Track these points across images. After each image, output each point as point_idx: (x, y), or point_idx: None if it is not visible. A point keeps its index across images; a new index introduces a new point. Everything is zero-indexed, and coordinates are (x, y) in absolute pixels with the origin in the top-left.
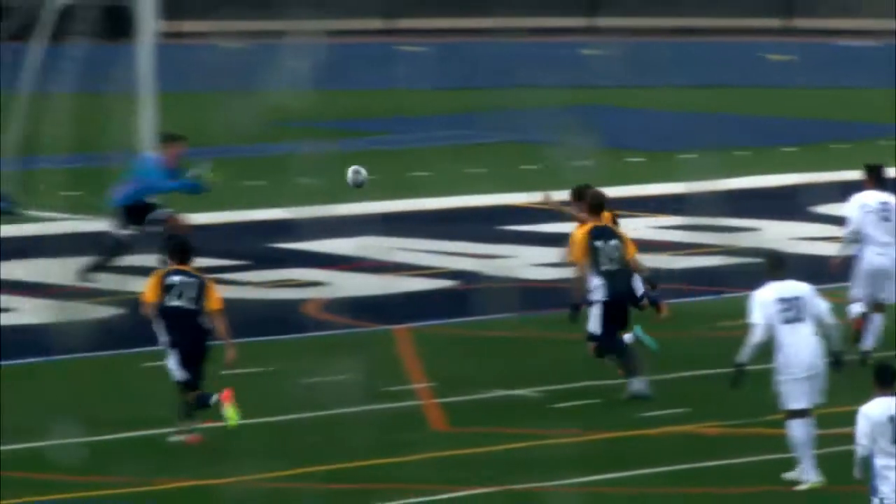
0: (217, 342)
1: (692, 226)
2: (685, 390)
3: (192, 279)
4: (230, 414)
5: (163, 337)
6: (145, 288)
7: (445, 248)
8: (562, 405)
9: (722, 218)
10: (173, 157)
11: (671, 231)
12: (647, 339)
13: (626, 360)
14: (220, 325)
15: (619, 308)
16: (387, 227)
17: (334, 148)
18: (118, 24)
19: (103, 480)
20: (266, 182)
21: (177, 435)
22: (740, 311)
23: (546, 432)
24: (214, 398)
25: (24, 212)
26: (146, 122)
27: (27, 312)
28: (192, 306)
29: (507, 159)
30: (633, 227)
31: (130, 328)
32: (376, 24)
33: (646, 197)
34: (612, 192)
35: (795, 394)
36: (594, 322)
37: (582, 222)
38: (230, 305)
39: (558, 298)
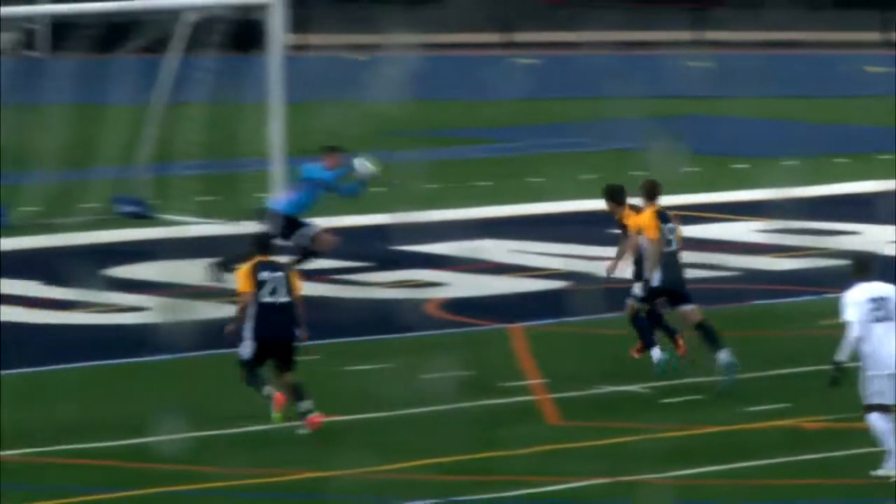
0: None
1: (792, 230)
2: (787, 386)
3: (279, 272)
4: (275, 416)
5: (248, 328)
6: (238, 281)
7: (558, 251)
8: (668, 400)
9: (822, 222)
10: (333, 166)
11: (773, 234)
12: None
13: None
14: (300, 311)
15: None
16: (503, 231)
17: (454, 155)
18: (249, 37)
19: (222, 472)
20: (386, 189)
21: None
22: (838, 311)
23: (653, 426)
24: (269, 391)
25: (159, 216)
26: (275, 130)
27: (158, 312)
28: (285, 299)
29: (616, 166)
30: (737, 230)
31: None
32: (493, 37)
33: (749, 201)
34: (717, 196)
35: (881, 390)
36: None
37: (622, 219)
38: (355, 305)
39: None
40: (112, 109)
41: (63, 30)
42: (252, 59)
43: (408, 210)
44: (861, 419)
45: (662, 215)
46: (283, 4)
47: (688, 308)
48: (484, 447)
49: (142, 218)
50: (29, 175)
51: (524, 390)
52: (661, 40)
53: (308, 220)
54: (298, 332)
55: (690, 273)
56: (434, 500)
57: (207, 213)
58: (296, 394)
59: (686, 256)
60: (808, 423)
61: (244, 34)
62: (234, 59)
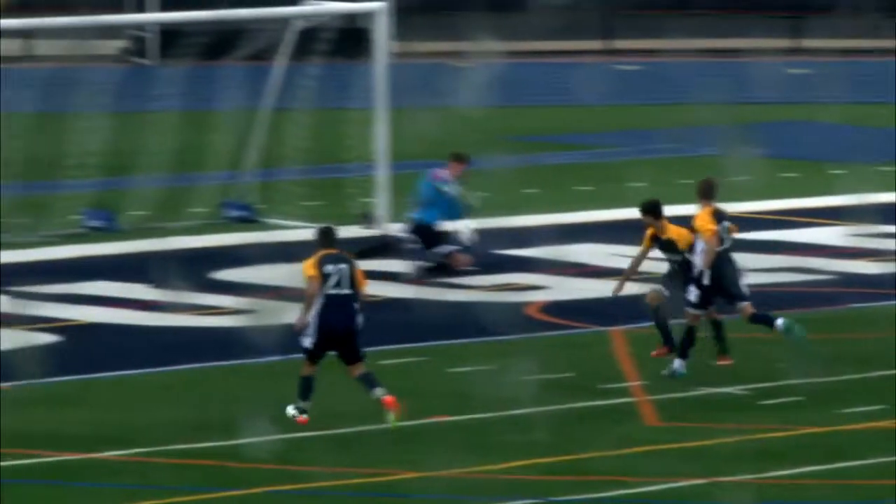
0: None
1: (889, 234)
2: (883, 388)
3: (343, 265)
4: (392, 417)
5: (312, 319)
6: (305, 269)
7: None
8: (765, 402)
9: None
10: (458, 175)
11: (867, 238)
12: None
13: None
14: (362, 304)
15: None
16: (603, 235)
17: (555, 161)
18: (355, 45)
19: (326, 471)
20: (491, 193)
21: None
22: None
23: (750, 427)
24: (381, 392)
25: (264, 220)
26: (379, 135)
27: (263, 315)
28: (349, 291)
29: (716, 171)
30: (831, 234)
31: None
32: (596, 44)
33: (844, 206)
34: (812, 201)
35: None
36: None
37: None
38: (457, 308)
39: (763, 301)
40: (220, 115)
41: (172, 37)
42: (356, 66)
43: (508, 215)
44: None
45: (719, 214)
46: (389, 12)
47: (743, 304)
48: (582, 448)
49: (248, 222)
50: (137, 180)
51: (623, 392)
52: (757, 48)
53: (453, 234)
54: (359, 323)
55: (787, 277)
56: (533, 500)
57: (312, 217)
58: (368, 383)
59: (781, 261)
60: None
61: (351, 42)
62: (340, 66)
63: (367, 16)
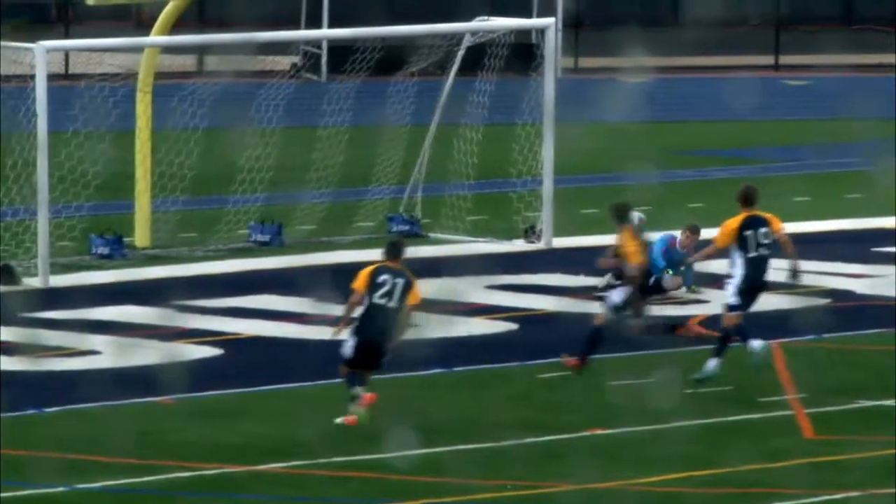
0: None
1: None
2: None
3: (400, 278)
4: (361, 414)
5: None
6: (357, 279)
7: (821, 268)
8: None
9: None
10: (689, 246)
11: None
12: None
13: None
14: (407, 317)
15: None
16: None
17: (725, 175)
18: (525, 61)
19: (487, 484)
20: (654, 207)
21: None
22: None
23: (877, 440)
24: (359, 391)
25: (431, 234)
26: (547, 151)
27: (428, 327)
28: (396, 304)
29: (882, 185)
30: None
31: (522, 342)
32: (766, 59)
33: None
34: None
35: None
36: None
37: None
38: (619, 322)
39: None
40: (388, 130)
41: (342, 53)
42: (525, 81)
43: (672, 228)
44: None
45: (755, 220)
46: (560, 29)
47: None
48: (739, 461)
49: (414, 237)
50: (305, 195)
51: (781, 405)
52: None
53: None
54: (394, 338)
55: None
56: None
57: (478, 231)
58: (355, 382)
59: None
60: None
61: (521, 57)
62: (508, 82)
63: (538, 31)
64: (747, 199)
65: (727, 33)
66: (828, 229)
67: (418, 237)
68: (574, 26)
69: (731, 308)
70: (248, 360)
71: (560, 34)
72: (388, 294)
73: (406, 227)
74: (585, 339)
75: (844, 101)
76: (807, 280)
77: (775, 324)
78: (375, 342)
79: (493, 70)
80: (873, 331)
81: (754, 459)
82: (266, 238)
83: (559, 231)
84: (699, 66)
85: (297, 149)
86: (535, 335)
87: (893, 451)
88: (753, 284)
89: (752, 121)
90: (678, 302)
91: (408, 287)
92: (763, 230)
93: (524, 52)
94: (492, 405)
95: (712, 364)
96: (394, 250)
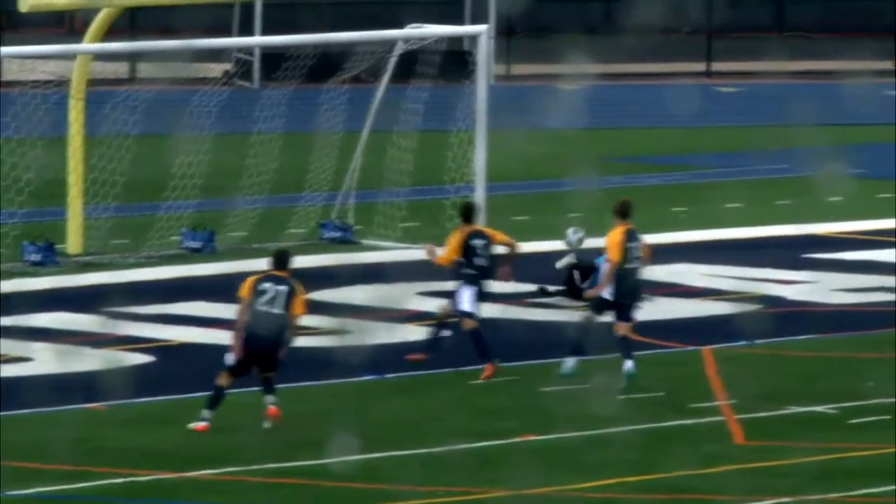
0: None
1: None
2: None
3: (283, 286)
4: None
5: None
6: (242, 287)
7: (752, 275)
8: (855, 420)
9: None
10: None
11: None
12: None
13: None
14: (293, 328)
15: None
16: (698, 255)
17: (654, 182)
18: (458, 68)
19: (420, 490)
20: (586, 214)
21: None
22: None
23: (841, 445)
24: (272, 399)
25: (362, 241)
26: (479, 158)
27: (360, 334)
28: (280, 311)
29: (812, 191)
30: None
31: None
32: (697, 66)
33: None
34: None
35: None
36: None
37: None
38: (551, 327)
39: (854, 321)
40: (321, 137)
41: (275, 60)
42: (458, 88)
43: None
44: None
45: (631, 234)
46: (493, 36)
47: (623, 323)
48: (671, 466)
49: (346, 243)
50: (237, 202)
51: (713, 410)
52: (860, 69)
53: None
54: (285, 343)
55: (880, 297)
56: None
57: (410, 238)
58: (267, 387)
59: (874, 281)
60: None
61: (453, 65)
62: (441, 89)
63: (470, 38)
64: (625, 213)
65: (659, 40)
66: (759, 235)
67: (351, 244)
68: (506, 33)
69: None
70: (180, 367)
71: (493, 41)
72: (271, 301)
73: (338, 234)
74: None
75: (776, 108)
76: (739, 286)
77: (707, 330)
78: (259, 348)
79: (426, 77)
80: (804, 337)
81: (686, 465)
82: (198, 245)
83: None
84: (632, 73)
85: (230, 155)
86: (469, 341)
87: (823, 456)
88: (627, 294)
89: (685, 127)
90: None
91: (291, 295)
92: (636, 244)
93: (457, 59)
94: (425, 412)
95: (628, 365)
96: (279, 260)
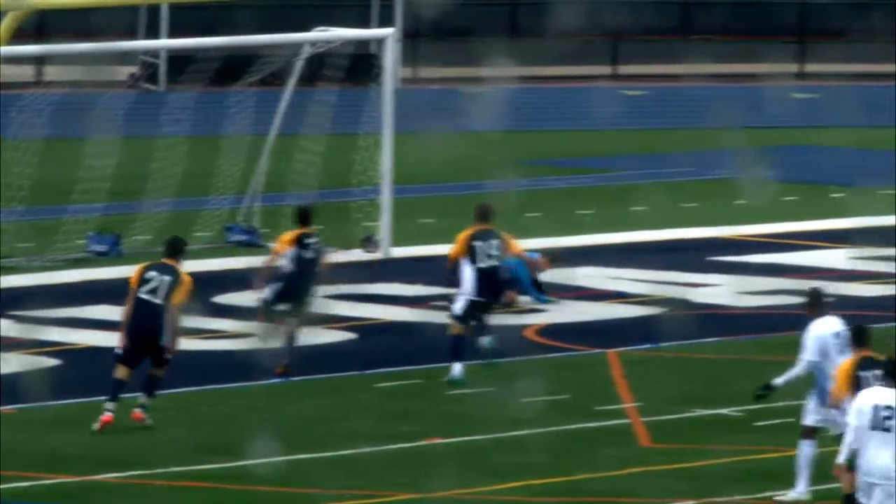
0: None
1: (888, 257)
2: None
3: (168, 276)
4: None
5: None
6: (132, 276)
7: (657, 278)
8: (760, 423)
9: None
10: (544, 267)
11: (869, 261)
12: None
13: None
14: (174, 319)
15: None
16: (604, 258)
17: (557, 185)
18: (364, 71)
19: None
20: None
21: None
22: None
23: (745, 448)
24: (142, 400)
25: (269, 244)
26: (386, 160)
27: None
28: (161, 301)
29: (718, 194)
30: (832, 258)
31: (361, 352)
32: (602, 69)
33: (845, 229)
34: (814, 224)
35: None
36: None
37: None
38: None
39: (760, 324)
40: (227, 140)
41: (181, 63)
42: (365, 91)
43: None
44: None
45: (484, 234)
46: (399, 39)
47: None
48: (578, 469)
49: (252, 246)
50: (143, 205)
51: (618, 413)
52: (763, 72)
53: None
54: (166, 337)
55: (788, 299)
56: None
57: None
58: (147, 385)
59: (783, 283)
60: None
61: (359, 67)
62: (349, 92)
63: (377, 42)
64: (482, 216)
65: (566, 44)
66: (666, 238)
67: (257, 247)
68: (413, 36)
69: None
70: (85, 371)
71: (399, 44)
72: (154, 290)
73: (244, 237)
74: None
75: (682, 111)
76: (645, 289)
77: (613, 333)
78: (139, 337)
79: (333, 80)
80: (710, 339)
81: (592, 468)
82: (103, 248)
83: (398, 241)
84: (538, 76)
85: (136, 158)
86: (374, 345)
87: (730, 459)
88: (483, 296)
89: (591, 130)
90: (516, 311)
91: (174, 285)
92: (493, 242)
93: (364, 62)
94: (331, 415)
95: (457, 368)
96: (170, 248)
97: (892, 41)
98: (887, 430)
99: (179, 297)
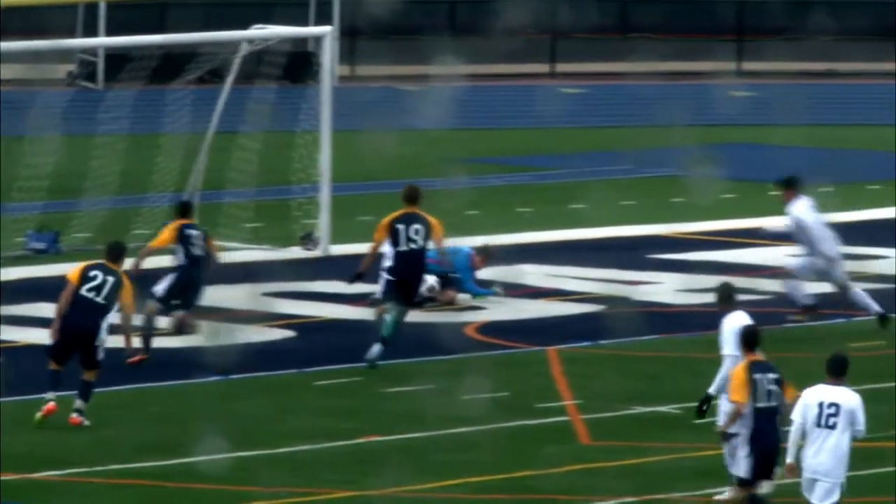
0: None
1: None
2: None
3: (112, 276)
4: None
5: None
6: (71, 272)
7: (596, 275)
8: (699, 421)
9: (853, 247)
10: (480, 265)
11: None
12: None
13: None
14: (127, 320)
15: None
16: (543, 256)
17: (497, 182)
18: (302, 69)
19: (264, 491)
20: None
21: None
22: (868, 333)
23: (684, 445)
24: (79, 405)
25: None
26: (324, 158)
27: (205, 336)
28: (100, 300)
29: (656, 192)
30: (771, 255)
31: (300, 350)
32: (541, 67)
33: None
34: (752, 222)
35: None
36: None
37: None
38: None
39: (699, 322)
40: (166, 138)
41: (119, 61)
42: (304, 89)
43: (449, 236)
44: (891, 438)
45: (408, 217)
46: (336, 37)
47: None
48: (519, 466)
49: None
50: (83, 203)
51: (558, 411)
52: (703, 70)
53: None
54: (103, 336)
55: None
56: None
57: (255, 239)
58: (82, 391)
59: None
60: None
61: (297, 65)
62: (287, 90)
63: (315, 39)
64: (410, 199)
65: (504, 42)
66: (604, 236)
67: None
68: (351, 34)
69: (375, 301)
70: (25, 369)
71: (337, 42)
72: (97, 289)
73: None
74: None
75: (620, 109)
76: (584, 287)
77: (552, 330)
78: (74, 334)
79: (271, 78)
80: (648, 337)
81: (531, 465)
82: (42, 246)
83: (336, 238)
84: (476, 74)
85: (75, 156)
86: (313, 342)
87: (668, 456)
88: (402, 277)
89: (529, 128)
90: (456, 309)
91: (118, 286)
92: (415, 226)
93: (302, 60)
94: (270, 413)
95: (376, 349)
96: (111, 252)
97: (831, 39)
98: (831, 427)
99: (127, 298)
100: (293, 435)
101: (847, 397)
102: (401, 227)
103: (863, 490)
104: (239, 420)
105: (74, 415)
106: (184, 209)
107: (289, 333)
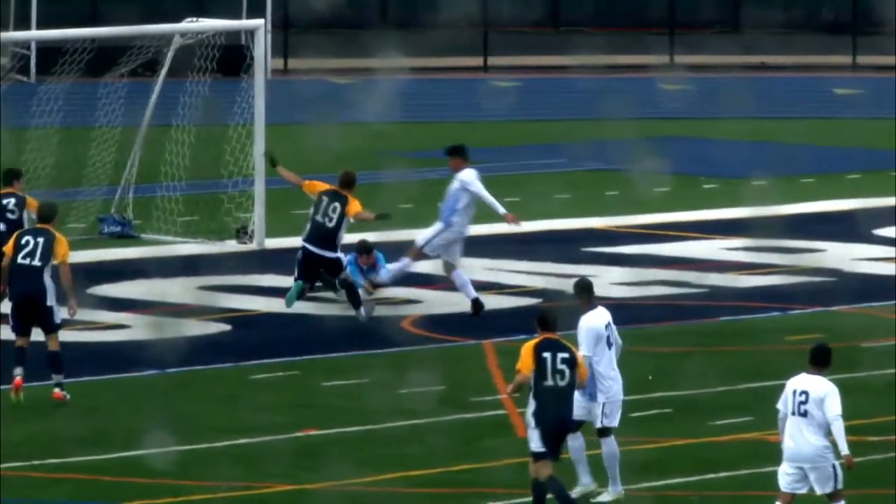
0: None
1: (760, 247)
2: (752, 400)
3: (42, 237)
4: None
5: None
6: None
7: (532, 269)
8: (637, 414)
9: (789, 240)
10: (367, 263)
11: (741, 252)
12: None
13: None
14: (65, 277)
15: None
16: (478, 249)
17: (433, 176)
18: (236, 62)
19: (202, 485)
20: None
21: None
22: (804, 326)
23: (622, 439)
24: (57, 379)
25: (142, 236)
26: (258, 152)
27: (141, 329)
28: (39, 263)
29: (591, 186)
30: (706, 248)
31: (236, 343)
32: (474, 61)
33: (718, 220)
34: (687, 215)
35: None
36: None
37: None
38: (333, 322)
39: (635, 315)
40: (99, 132)
41: (52, 54)
42: (237, 82)
43: (387, 230)
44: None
45: (331, 194)
46: (269, 30)
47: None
48: (457, 460)
49: (126, 238)
50: None
51: (495, 404)
52: (637, 63)
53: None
54: (48, 297)
55: (658, 290)
56: None
57: (190, 232)
58: (51, 365)
59: (653, 274)
60: (773, 436)
61: (230, 59)
62: (220, 83)
63: (248, 33)
64: (343, 183)
65: (436, 35)
66: (538, 229)
67: (130, 238)
68: (283, 28)
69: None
70: None
71: (269, 36)
72: (31, 254)
73: (118, 228)
74: None
75: (553, 103)
76: (519, 280)
77: (488, 323)
78: (27, 303)
79: (204, 71)
80: None
81: (467, 459)
82: None
83: (271, 232)
84: (409, 67)
85: (7, 150)
86: (248, 336)
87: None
88: (311, 244)
89: (462, 122)
90: (391, 302)
91: (50, 244)
92: (334, 204)
93: (234, 53)
94: (205, 406)
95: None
96: (42, 214)
97: (763, 33)
98: (803, 415)
99: (62, 253)
100: (231, 429)
101: (818, 386)
102: (325, 199)
103: None
104: (176, 414)
105: (56, 390)
106: (7, 177)
107: (224, 327)
